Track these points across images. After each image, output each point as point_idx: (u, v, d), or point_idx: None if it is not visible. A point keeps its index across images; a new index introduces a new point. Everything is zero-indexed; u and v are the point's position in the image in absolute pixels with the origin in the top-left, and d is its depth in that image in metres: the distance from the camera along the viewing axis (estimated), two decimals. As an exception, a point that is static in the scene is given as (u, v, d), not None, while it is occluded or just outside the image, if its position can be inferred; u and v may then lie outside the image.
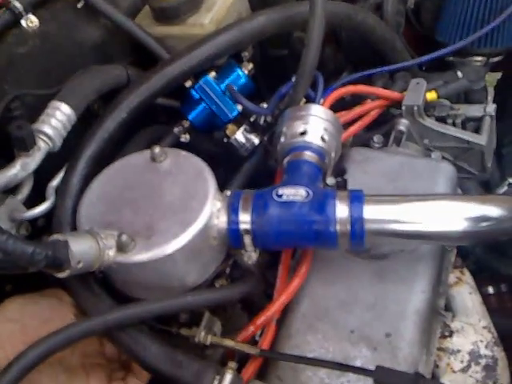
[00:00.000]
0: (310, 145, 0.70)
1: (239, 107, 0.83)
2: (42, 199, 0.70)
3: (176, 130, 0.85)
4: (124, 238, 0.58)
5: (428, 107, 0.83)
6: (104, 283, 0.65)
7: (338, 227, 0.60)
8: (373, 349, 0.60)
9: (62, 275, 0.54)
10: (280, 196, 0.63)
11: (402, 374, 0.52)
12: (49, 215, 0.70)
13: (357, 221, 0.59)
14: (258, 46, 0.91)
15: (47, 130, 0.68)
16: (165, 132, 0.85)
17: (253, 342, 0.65)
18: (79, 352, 0.64)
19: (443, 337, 0.68)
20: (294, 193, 0.62)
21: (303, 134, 0.71)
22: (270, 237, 0.62)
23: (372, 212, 0.60)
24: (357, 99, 0.91)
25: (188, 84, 0.82)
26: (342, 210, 0.60)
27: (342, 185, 0.66)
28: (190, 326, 0.64)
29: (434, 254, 0.67)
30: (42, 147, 0.68)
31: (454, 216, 0.59)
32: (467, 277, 0.74)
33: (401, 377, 0.52)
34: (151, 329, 0.62)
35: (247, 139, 0.84)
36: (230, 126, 0.84)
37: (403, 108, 0.82)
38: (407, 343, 0.60)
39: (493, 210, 0.58)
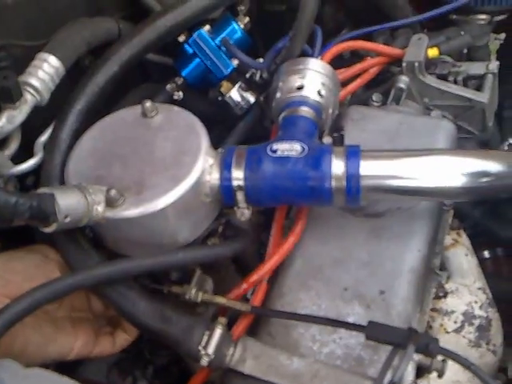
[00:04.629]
0: (306, 100, 0.68)
1: (234, 63, 0.80)
2: (31, 157, 0.68)
3: (169, 87, 0.82)
4: (113, 192, 0.56)
5: (429, 64, 0.80)
6: (94, 242, 0.63)
7: (333, 183, 0.58)
8: (366, 306, 0.59)
9: (48, 229, 0.53)
10: (274, 151, 0.61)
11: (394, 330, 0.51)
12: (38, 173, 0.68)
13: (353, 177, 0.58)
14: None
15: (34, 82, 0.65)
16: (157, 89, 0.83)
17: (244, 301, 0.64)
18: (66, 305, 0.64)
19: (437, 298, 0.67)
20: (289, 148, 0.61)
21: (300, 88, 0.68)
22: (263, 193, 0.61)
23: (369, 168, 0.58)
24: (356, 58, 0.89)
25: (181, 38, 0.79)
26: (337, 166, 0.58)
27: (338, 140, 0.63)
28: (182, 284, 0.63)
29: (430, 212, 0.66)
30: (29, 100, 0.65)
31: (452, 171, 0.58)
32: (464, 238, 0.73)
33: (393, 332, 0.50)
34: (143, 288, 0.60)
35: (242, 97, 0.82)
36: (225, 84, 0.82)
37: (404, 64, 0.79)
38: (401, 300, 0.59)
39: (493, 166, 0.57)
